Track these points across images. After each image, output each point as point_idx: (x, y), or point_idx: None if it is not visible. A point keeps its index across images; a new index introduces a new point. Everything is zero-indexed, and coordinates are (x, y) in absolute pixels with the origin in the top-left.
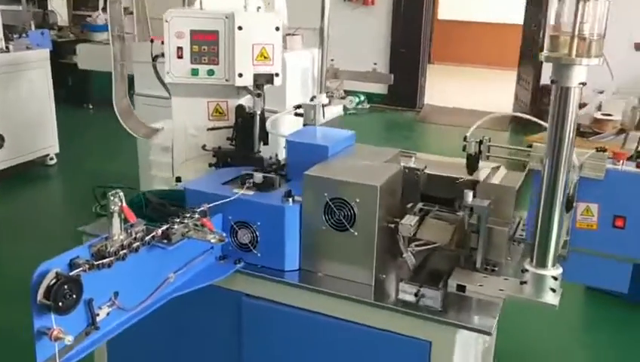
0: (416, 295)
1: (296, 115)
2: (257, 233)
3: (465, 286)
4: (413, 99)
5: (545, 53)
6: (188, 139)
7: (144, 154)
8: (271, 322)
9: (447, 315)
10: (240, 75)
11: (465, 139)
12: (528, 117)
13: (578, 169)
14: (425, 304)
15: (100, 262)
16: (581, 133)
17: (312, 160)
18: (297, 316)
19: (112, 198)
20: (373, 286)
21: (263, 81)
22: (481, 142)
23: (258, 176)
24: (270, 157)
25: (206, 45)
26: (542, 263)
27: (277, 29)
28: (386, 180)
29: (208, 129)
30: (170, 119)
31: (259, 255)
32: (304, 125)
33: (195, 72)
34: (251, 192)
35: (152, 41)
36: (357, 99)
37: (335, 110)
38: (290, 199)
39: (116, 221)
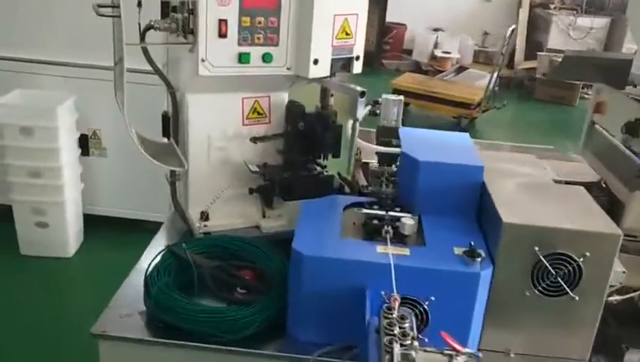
0: None
1: (372, 113)
2: (428, 311)
3: None
4: None
5: None
6: (212, 154)
7: None
8: None
9: None
10: (315, 62)
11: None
12: None
13: None
14: None
15: None
16: (424, 71)
17: (457, 186)
18: None
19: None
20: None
21: (337, 68)
22: None
23: (408, 224)
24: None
25: (262, 16)
26: None
27: None
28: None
29: (253, 140)
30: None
31: (426, 340)
32: (381, 127)
33: (245, 58)
34: (405, 250)
35: (139, 4)
36: None
37: None
38: (479, 259)
39: None
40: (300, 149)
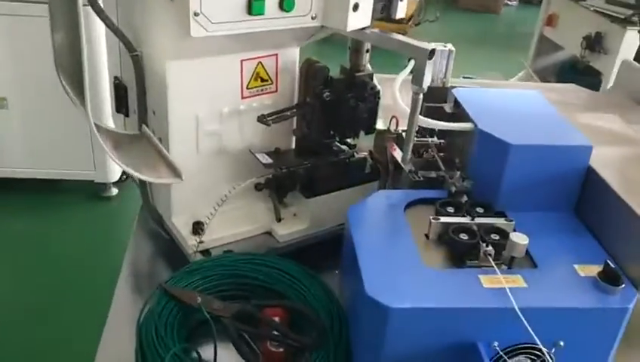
0: None
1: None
2: (553, 360)
3: None
4: None
5: None
6: (202, 142)
7: None
8: None
9: None
10: (355, 8)
11: None
12: None
13: None
14: None
15: None
16: None
17: (556, 174)
18: None
19: None
20: None
21: (377, 13)
22: None
23: (521, 245)
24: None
25: None
26: None
27: None
28: None
29: (262, 119)
30: None
31: None
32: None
33: (258, 8)
34: (517, 279)
35: None
36: None
37: None
38: (622, 286)
39: None
40: (323, 126)
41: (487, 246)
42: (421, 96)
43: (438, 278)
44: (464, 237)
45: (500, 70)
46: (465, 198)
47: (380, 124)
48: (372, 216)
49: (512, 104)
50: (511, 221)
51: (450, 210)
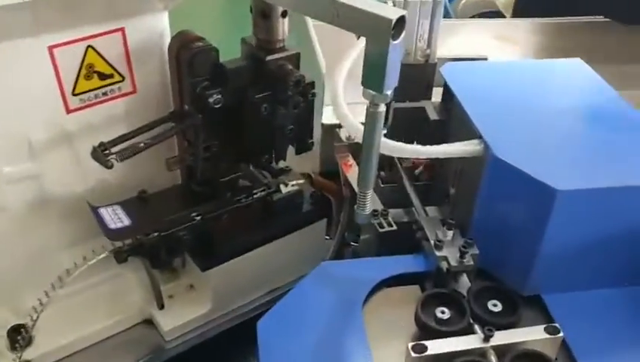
0: None
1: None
2: None
3: None
4: None
5: None
6: (3, 192)
7: None
8: None
9: None
10: None
11: None
12: None
13: None
14: None
15: None
16: None
17: (621, 230)
18: None
19: None
20: None
21: None
22: None
23: None
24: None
25: None
26: None
27: None
28: None
29: (98, 153)
30: None
31: None
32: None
33: None
34: None
35: None
36: None
37: None
38: None
39: None
40: (220, 150)
41: None
42: (382, 108)
43: None
44: None
45: None
46: (466, 283)
47: (328, 116)
48: (302, 330)
49: (546, 91)
50: (557, 334)
51: (444, 312)
